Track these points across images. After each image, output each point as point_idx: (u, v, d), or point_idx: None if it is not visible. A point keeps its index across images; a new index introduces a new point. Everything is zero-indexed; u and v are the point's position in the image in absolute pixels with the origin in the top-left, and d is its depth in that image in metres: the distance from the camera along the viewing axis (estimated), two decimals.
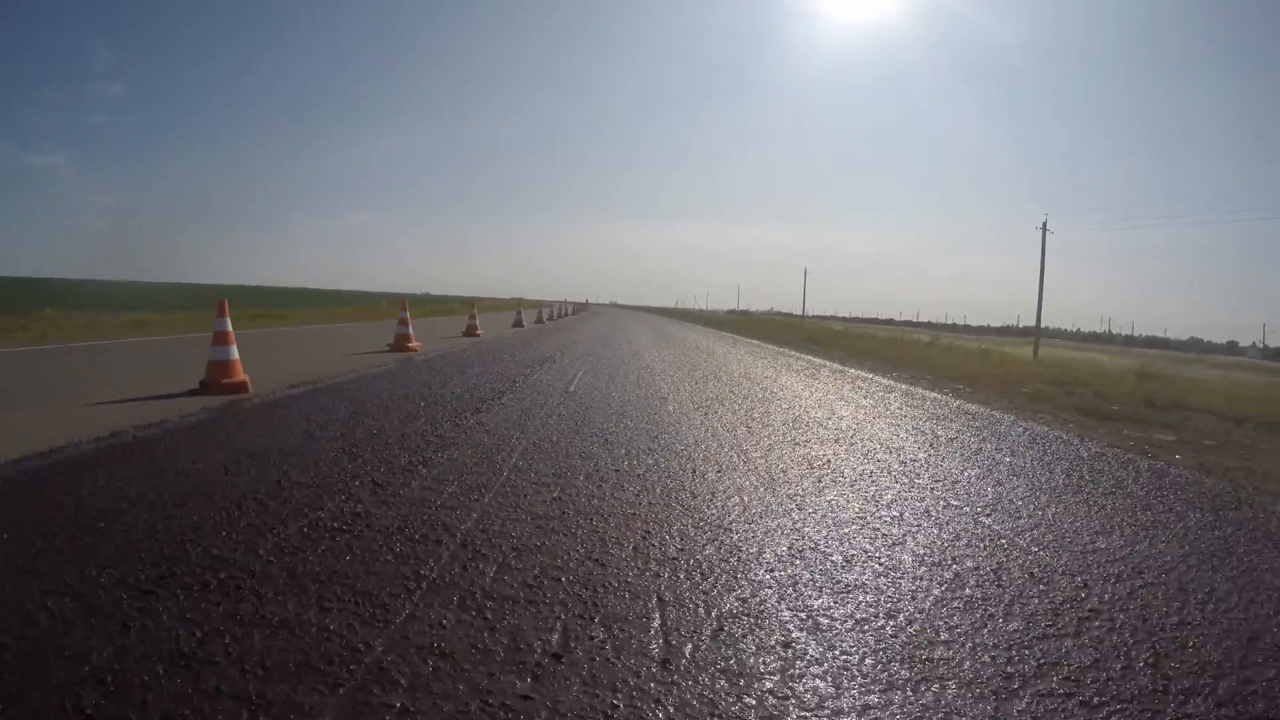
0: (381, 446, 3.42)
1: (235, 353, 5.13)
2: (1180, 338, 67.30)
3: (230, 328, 5.19)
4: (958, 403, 6.95)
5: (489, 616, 1.68)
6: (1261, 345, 53.33)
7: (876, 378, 9.27)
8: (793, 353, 13.67)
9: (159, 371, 6.19)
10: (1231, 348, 58.39)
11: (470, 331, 12.85)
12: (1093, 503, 3.14)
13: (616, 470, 3.24)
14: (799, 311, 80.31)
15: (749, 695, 1.40)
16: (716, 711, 1.33)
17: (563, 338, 14.23)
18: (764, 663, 1.53)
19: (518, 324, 17.98)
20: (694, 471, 3.32)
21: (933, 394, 7.63)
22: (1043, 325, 37.84)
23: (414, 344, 8.80)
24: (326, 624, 1.61)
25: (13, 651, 1.42)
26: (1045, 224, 36.72)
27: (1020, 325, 68.41)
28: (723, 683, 1.44)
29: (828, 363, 11.49)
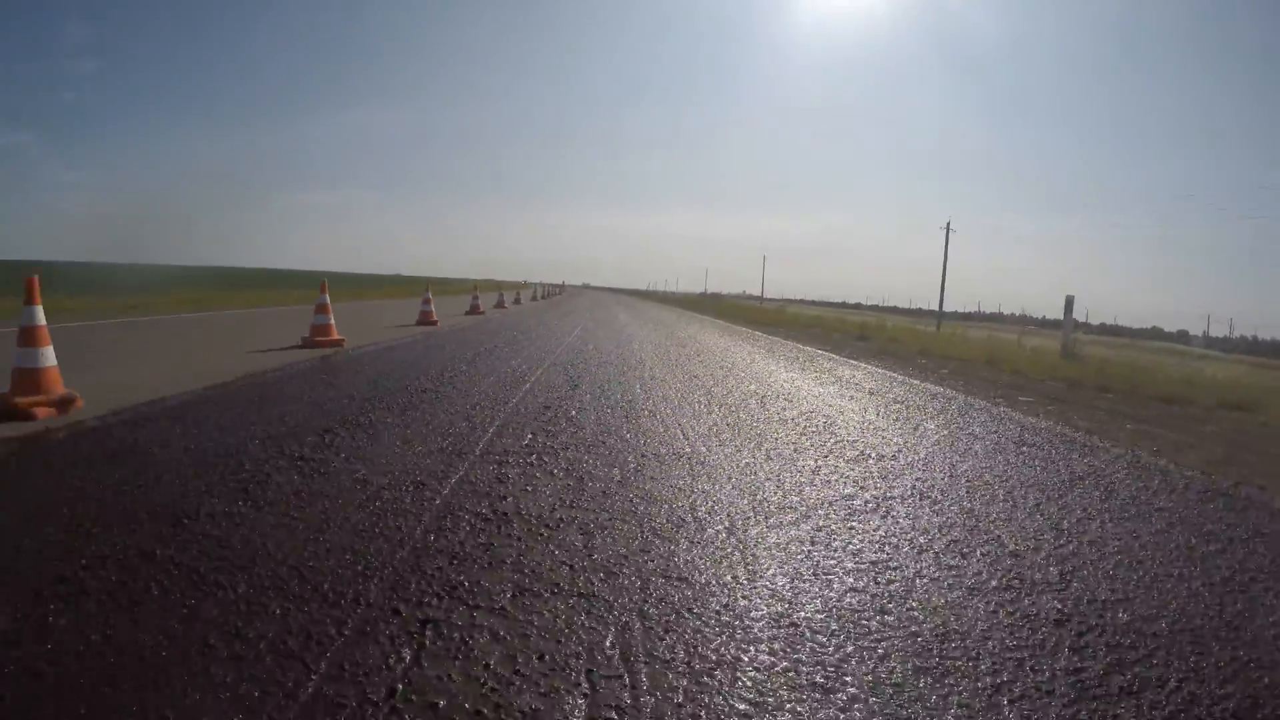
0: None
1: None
2: (1142, 326, 77.57)
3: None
4: (723, 322, 16.14)
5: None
6: (1205, 335, 62.50)
7: (717, 321, 18.40)
8: (698, 316, 22.99)
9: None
10: (1181, 336, 67.54)
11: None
12: (721, 332, 12.10)
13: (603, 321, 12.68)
14: (765, 295, 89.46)
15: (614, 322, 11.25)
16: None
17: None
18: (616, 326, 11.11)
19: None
20: (620, 323, 13.03)
21: (733, 326, 16.51)
22: (1008, 313, 48.11)
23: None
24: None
25: None
26: (949, 225, 46.81)
27: (984, 311, 78.96)
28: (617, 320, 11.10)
29: (711, 319, 20.78)
